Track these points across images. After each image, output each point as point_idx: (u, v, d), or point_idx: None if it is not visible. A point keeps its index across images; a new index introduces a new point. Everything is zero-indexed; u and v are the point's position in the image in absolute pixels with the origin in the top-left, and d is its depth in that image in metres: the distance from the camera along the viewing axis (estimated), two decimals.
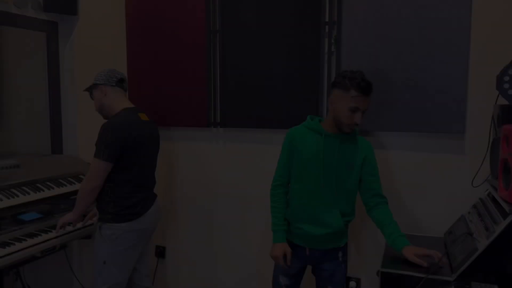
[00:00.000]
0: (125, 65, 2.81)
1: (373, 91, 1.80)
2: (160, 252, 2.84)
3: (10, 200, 2.22)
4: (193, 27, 2.56)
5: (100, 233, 2.18)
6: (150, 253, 2.49)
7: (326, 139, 1.87)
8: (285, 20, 2.33)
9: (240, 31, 2.45)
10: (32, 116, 2.90)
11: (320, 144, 1.87)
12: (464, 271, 1.56)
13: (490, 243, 1.53)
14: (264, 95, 2.41)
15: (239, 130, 2.55)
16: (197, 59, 2.57)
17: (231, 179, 2.61)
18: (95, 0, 2.87)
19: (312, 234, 1.91)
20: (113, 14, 2.84)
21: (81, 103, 3.02)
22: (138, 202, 2.19)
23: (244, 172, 2.56)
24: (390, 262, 1.76)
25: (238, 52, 2.46)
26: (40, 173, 2.54)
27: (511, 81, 1.72)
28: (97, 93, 2.25)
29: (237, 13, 2.44)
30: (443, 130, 2.08)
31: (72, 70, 3.01)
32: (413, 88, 2.10)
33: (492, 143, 1.86)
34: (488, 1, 1.97)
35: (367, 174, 1.90)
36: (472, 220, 1.82)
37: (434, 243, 1.98)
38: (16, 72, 2.79)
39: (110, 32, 2.87)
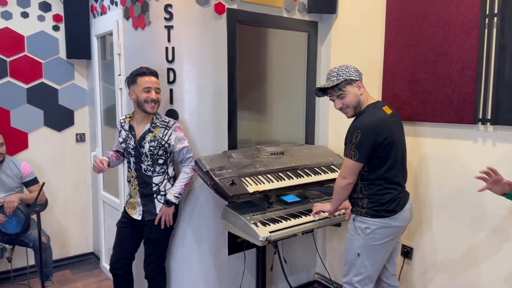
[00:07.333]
0: (378, 59, 2.78)
1: None
2: (407, 252, 2.72)
3: (279, 183, 2.53)
4: (463, 12, 2.30)
5: (354, 225, 2.24)
6: (398, 252, 2.41)
7: None
8: None
9: None
10: (290, 109, 3.22)
11: None
12: None
13: None
14: None
15: None
16: (465, 47, 2.30)
17: None
18: None
19: None
20: (371, 8, 2.84)
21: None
22: (393, 200, 2.15)
23: None
24: None
25: None
26: (299, 161, 2.81)
27: None
28: (353, 89, 2.19)
29: None
30: None
31: (328, 66, 3.18)
32: None
33: None
34: None
35: None
36: None
37: None
38: (280, 70, 3.13)
39: (365, 26, 2.89)
